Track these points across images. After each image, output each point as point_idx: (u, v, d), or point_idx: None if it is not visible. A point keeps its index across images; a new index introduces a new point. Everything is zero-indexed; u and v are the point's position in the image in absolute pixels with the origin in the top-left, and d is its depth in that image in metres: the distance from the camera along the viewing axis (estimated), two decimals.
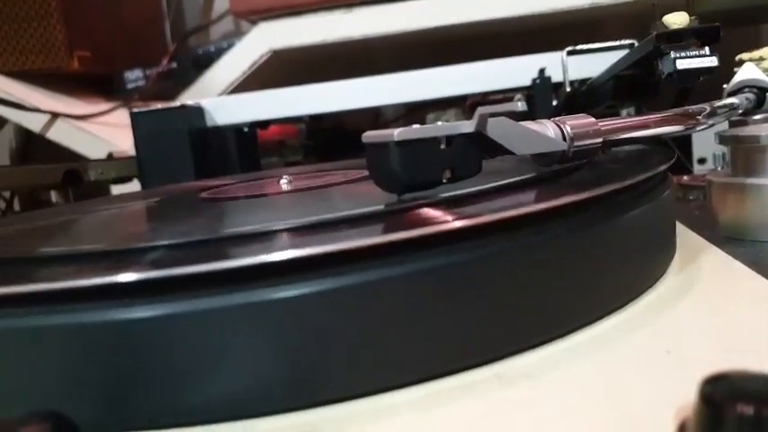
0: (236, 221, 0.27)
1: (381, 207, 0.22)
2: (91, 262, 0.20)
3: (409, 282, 0.18)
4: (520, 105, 0.20)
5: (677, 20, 0.33)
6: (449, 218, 0.19)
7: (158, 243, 0.20)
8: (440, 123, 0.22)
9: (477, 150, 0.22)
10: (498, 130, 0.22)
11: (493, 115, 0.22)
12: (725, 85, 0.39)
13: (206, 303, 0.17)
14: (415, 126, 0.22)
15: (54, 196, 0.64)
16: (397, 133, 0.21)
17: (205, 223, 0.27)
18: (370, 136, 0.22)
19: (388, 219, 0.21)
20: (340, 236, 0.19)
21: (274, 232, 0.20)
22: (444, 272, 0.18)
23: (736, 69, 0.40)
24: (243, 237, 0.20)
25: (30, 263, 0.22)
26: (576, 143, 0.24)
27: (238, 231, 0.21)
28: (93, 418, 0.16)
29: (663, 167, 0.26)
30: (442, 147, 0.22)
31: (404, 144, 0.21)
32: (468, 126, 0.22)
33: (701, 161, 0.59)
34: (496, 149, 0.22)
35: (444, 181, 0.22)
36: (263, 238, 0.20)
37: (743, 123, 0.39)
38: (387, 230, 0.19)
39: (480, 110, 0.21)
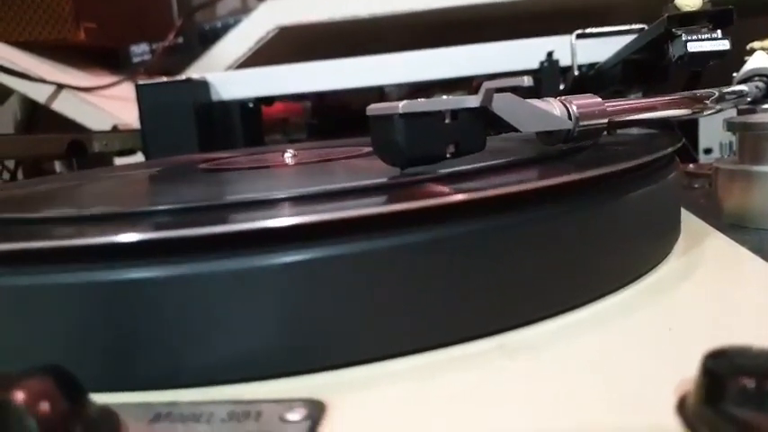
0: (237, 190, 0.27)
1: (385, 179, 0.22)
2: (93, 223, 0.20)
3: (414, 252, 0.18)
4: (526, 80, 0.20)
5: (690, 2, 0.32)
6: (454, 191, 0.19)
7: (157, 207, 0.20)
8: (445, 97, 0.22)
9: (481, 126, 0.22)
10: (504, 105, 0.22)
11: (499, 90, 0.21)
12: (735, 74, 0.39)
13: (206, 267, 0.17)
14: (421, 99, 0.21)
15: (58, 167, 0.64)
16: (402, 105, 0.21)
17: (206, 191, 0.27)
18: (374, 108, 0.22)
19: (393, 190, 0.21)
20: (343, 204, 0.19)
21: (275, 200, 0.20)
22: (449, 244, 0.18)
23: (746, 58, 0.39)
24: (244, 203, 0.20)
25: (32, 223, 0.22)
26: (581, 122, 0.24)
27: (240, 198, 0.21)
28: (94, 378, 0.16)
29: (670, 149, 0.26)
30: (447, 121, 0.21)
31: (408, 117, 0.21)
32: (473, 101, 0.21)
33: (707, 151, 0.58)
34: (501, 125, 0.22)
35: (448, 156, 0.22)
36: (265, 205, 0.20)
37: (751, 112, 0.39)
38: (391, 201, 0.19)
39: (486, 84, 0.21)
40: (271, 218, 0.17)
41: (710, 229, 0.31)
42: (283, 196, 0.20)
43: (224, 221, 0.18)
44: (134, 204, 0.23)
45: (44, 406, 0.13)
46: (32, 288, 0.17)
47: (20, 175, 0.78)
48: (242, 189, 0.27)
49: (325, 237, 0.17)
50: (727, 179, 0.34)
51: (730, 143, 0.56)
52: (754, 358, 0.13)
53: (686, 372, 0.15)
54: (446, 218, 0.18)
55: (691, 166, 0.52)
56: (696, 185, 0.47)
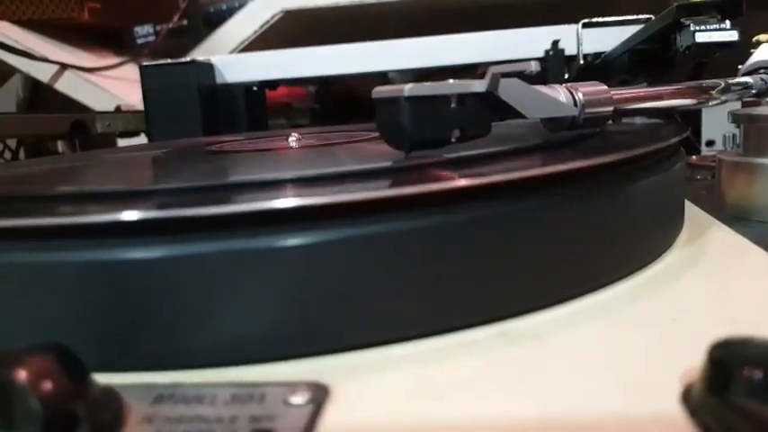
0: (243, 171, 0.27)
1: (391, 163, 0.22)
2: (98, 202, 0.20)
3: (418, 237, 0.18)
4: (533, 65, 0.20)
5: None
6: (458, 176, 0.19)
7: (162, 186, 0.20)
8: (451, 81, 0.21)
9: (487, 111, 0.22)
10: (510, 91, 0.21)
11: (505, 75, 0.21)
12: (740, 66, 0.39)
13: (211, 247, 0.17)
14: (427, 83, 0.21)
15: (60, 147, 0.64)
16: (408, 89, 0.21)
17: (212, 172, 0.27)
18: (380, 91, 0.22)
19: (399, 174, 0.21)
20: (347, 188, 0.19)
21: (280, 182, 0.20)
22: (454, 229, 0.18)
23: (752, 51, 0.39)
24: (249, 184, 0.20)
25: (36, 201, 0.22)
26: (587, 110, 0.24)
27: (245, 179, 0.21)
28: (97, 358, 0.16)
29: (676, 139, 0.26)
30: (453, 105, 0.21)
31: (414, 100, 0.21)
32: (479, 85, 0.21)
33: (710, 143, 0.58)
34: (507, 111, 0.22)
35: (453, 140, 0.22)
36: (270, 187, 0.20)
37: (756, 104, 0.39)
38: (397, 184, 0.19)
39: (493, 69, 0.21)
40: (275, 199, 0.17)
41: (713, 220, 0.31)
42: (288, 178, 0.20)
43: (228, 202, 0.17)
44: (138, 184, 0.23)
45: (47, 385, 0.13)
46: (35, 266, 0.17)
47: (22, 155, 0.78)
48: (247, 171, 0.27)
49: (330, 220, 0.17)
50: (731, 171, 0.34)
51: (733, 135, 0.56)
52: (761, 349, 0.13)
53: (690, 361, 0.15)
54: (450, 203, 0.18)
55: (693, 157, 0.52)
56: (698, 177, 0.47)
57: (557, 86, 0.24)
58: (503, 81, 0.21)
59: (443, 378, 0.16)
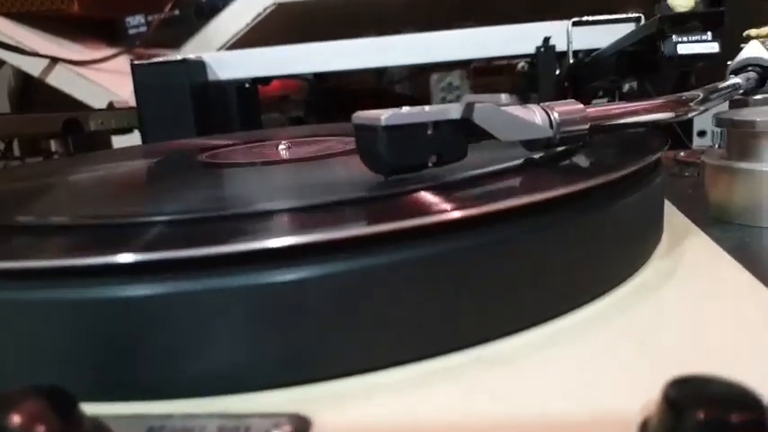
0: (230, 198, 0.28)
1: (370, 193, 0.22)
2: (88, 236, 0.20)
3: (393, 268, 0.18)
4: (504, 98, 0.21)
5: (682, 3, 0.32)
6: (428, 209, 0.19)
7: (150, 219, 0.21)
8: (427, 108, 0.22)
9: (463, 136, 0.23)
10: (485, 116, 0.22)
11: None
12: (729, 62, 0.39)
13: (196, 285, 0.17)
14: (404, 109, 0.22)
15: (54, 145, 0.64)
16: (385, 118, 0.21)
17: (199, 198, 0.27)
18: (359, 117, 0.23)
19: (375, 205, 0.21)
20: (324, 222, 0.19)
21: (265, 214, 0.21)
22: (427, 260, 0.19)
23: (742, 45, 0.39)
24: (234, 217, 0.21)
25: (23, 234, 0.22)
26: (562, 129, 0.24)
27: (231, 212, 0.21)
28: (87, 388, 0.17)
29: (654, 157, 0.26)
30: (429, 132, 0.22)
31: (391, 129, 0.21)
32: (455, 112, 0.22)
33: (701, 134, 0.58)
34: (483, 135, 0.23)
35: (430, 165, 0.22)
36: (255, 220, 0.20)
37: (743, 103, 0.39)
38: (373, 219, 0.19)
39: (466, 98, 0.21)
40: (259, 240, 0.17)
41: (693, 228, 0.31)
42: (272, 209, 0.21)
43: (214, 240, 0.18)
44: (126, 214, 0.24)
45: (39, 429, 0.14)
46: (22, 302, 0.18)
47: (16, 150, 0.78)
48: (234, 199, 0.27)
49: (309, 257, 0.18)
50: (713, 174, 0.34)
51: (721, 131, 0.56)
52: (716, 388, 0.13)
53: (653, 389, 0.15)
54: (424, 234, 0.19)
55: (682, 153, 0.52)
56: (686, 174, 0.47)
57: (533, 107, 0.24)
58: (477, 107, 0.22)
59: (420, 406, 0.17)
